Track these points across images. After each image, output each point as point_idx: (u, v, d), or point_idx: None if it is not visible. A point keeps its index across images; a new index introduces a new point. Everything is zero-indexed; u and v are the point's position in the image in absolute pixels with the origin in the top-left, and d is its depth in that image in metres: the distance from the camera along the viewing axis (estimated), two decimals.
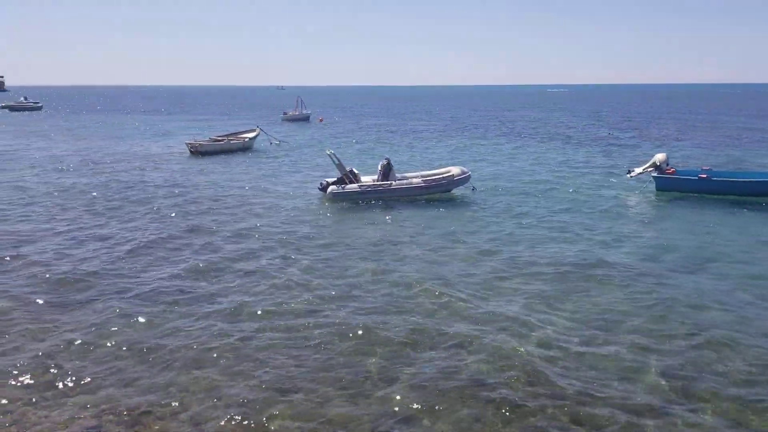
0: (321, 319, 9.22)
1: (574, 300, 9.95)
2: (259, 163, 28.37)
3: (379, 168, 19.21)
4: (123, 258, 12.50)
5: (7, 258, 12.41)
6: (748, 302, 9.85)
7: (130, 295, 10.34)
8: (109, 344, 8.44)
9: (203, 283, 10.94)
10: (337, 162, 19.21)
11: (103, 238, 14.11)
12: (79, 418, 6.68)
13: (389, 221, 15.94)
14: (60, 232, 14.62)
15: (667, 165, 19.75)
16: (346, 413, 6.73)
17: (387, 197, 18.41)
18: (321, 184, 19.17)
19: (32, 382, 7.47)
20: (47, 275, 11.29)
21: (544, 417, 6.59)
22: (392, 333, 8.69)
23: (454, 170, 19.52)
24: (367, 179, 19.16)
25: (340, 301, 9.95)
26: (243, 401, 6.97)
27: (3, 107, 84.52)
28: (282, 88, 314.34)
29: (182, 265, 11.95)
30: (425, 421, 6.56)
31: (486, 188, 20.41)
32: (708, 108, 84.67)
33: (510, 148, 34.52)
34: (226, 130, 41.53)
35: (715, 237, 13.93)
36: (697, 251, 12.76)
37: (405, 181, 18.88)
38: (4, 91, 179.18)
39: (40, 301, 10.03)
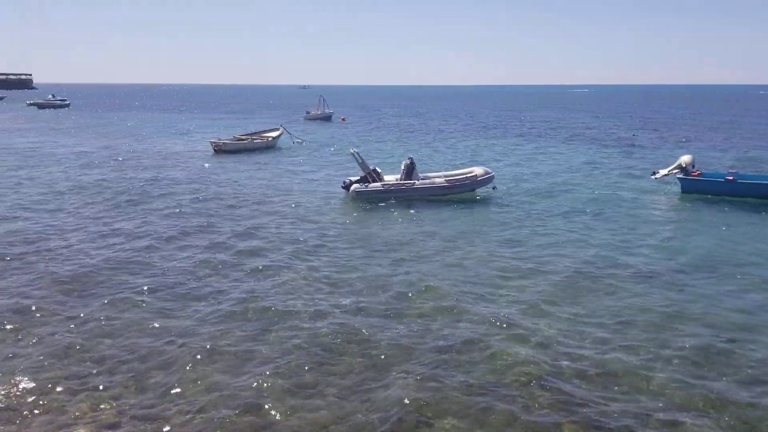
0: (337, 318, 9.26)
1: (593, 302, 9.91)
2: (283, 161, 28.61)
3: (402, 167, 19.28)
4: (143, 253, 12.75)
5: (30, 251, 12.74)
6: None
7: (146, 289, 10.53)
8: (122, 339, 8.63)
9: (222, 279, 11.11)
10: (360, 161, 19.33)
11: (125, 233, 14.40)
12: (97, 412, 6.82)
13: (411, 220, 16.01)
14: (83, 227, 14.95)
15: (693, 167, 19.58)
16: (349, 413, 6.75)
17: (410, 196, 18.48)
18: (344, 182, 19.30)
19: (49, 375, 7.67)
20: (68, 268, 11.60)
21: (552, 421, 6.59)
22: (406, 334, 8.73)
23: (478, 170, 19.53)
24: (390, 178, 19.25)
25: (357, 301, 9.98)
26: (257, 399, 7.07)
27: (31, 104, 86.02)
28: (305, 87, 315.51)
29: (202, 262, 12.13)
30: (434, 423, 6.57)
31: (508, 188, 20.40)
32: (731, 109, 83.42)
33: (531, 148, 34.40)
34: (246, 128, 41.95)
35: (741, 241, 13.77)
36: (722, 255, 12.62)
37: (428, 181, 18.93)
38: (33, 88, 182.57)
39: (59, 294, 10.29)
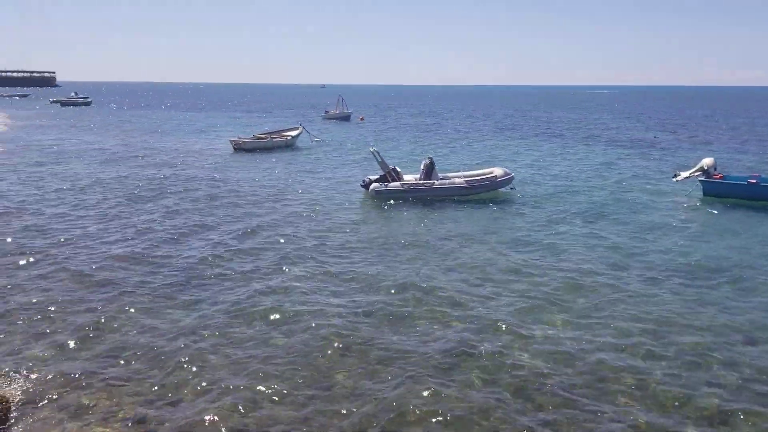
0: (348, 317, 9.29)
1: (610, 307, 9.83)
2: (302, 160, 28.75)
3: (422, 167, 19.29)
4: (161, 248, 12.96)
5: (50, 245, 12.98)
6: None
7: (164, 284, 10.71)
8: (139, 333, 8.77)
9: (239, 276, 11.21)
10: (379, 160, 19.39)
11: (143, 229, 14.61)
12: (116, 407, 6.92)
13: (430, 221, 16.02)
14: (102, 222, 15.17)
15: (715, 170, 19.38)
16: (359, 412, 6.78)
17: (429, 196, 18.50)
18: (363, 181, 19.37)
19: (69, 368, 7.82)
20: (87, 262, 11.81)
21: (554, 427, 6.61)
22: (416, 335, 8.76)
23: (497, 171, 19.50)
24: (409, 178, 19.28)
25: (370, 301, 9.99)
26: (274, 397, 7.17)
27: (54, 102, 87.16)
28: (323, 86, 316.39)
29: (219, 258, 12.27)
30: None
31: (527, 189, 20.33)
32: (747, 110, 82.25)
33: (549, 148, 34.23)
34: (265, 127, 42.20)
35: (765, 245, 13.62)
36: (743, 260, 12.41)
37: (447, 181, 18.94)
38: (56, 86, 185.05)
39: (77, 288, 10.48)
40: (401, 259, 12.35)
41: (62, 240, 13.53)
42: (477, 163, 25.53)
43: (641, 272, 11.51)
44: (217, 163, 26.97)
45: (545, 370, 7.63)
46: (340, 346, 8.30)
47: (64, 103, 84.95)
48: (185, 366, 7.76)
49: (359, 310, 9.58)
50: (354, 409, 6.81)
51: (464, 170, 21.11)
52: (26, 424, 6.49)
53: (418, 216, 16.52)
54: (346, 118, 59.62)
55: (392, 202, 18.10)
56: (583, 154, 31.42)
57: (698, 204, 18.28)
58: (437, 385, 7.25)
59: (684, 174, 19.81)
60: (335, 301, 9.98)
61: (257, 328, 8.90)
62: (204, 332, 8.74)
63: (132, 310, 9.57)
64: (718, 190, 18.72)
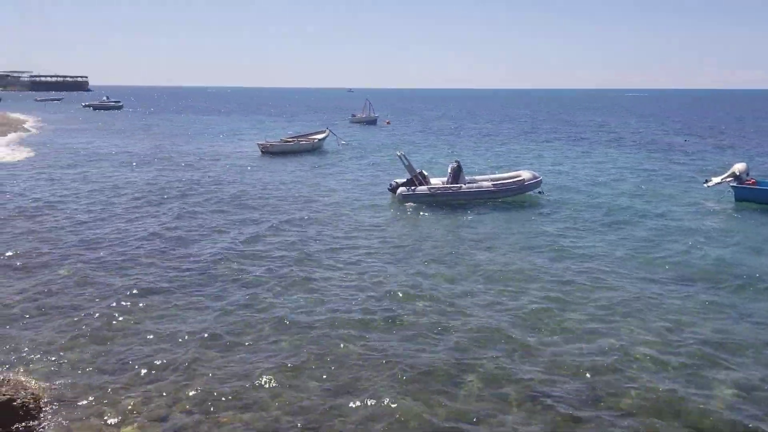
0: (367, 321, 9.30)
1: (639, 312, 9.70)
2: (328, 163, 28.88)
3: (449, 170, 19.25)
4: (187, 248, 13.13)
5: (78, 245, 13.23)
6: None
7: (188, 285, 10.84)
8: (162, 335, 8.85)
9: (265, 279, 11.25)
10: (406, 163, 19.39)
11: (170, 230, 14.82)
12: (145, 407, 6.98)
13: (457, 225, 15.97)
14: (131, 223, 15.41)
15: (747, 175, 19.02)
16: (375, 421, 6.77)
17: (456, 200, 18.45)
18: (390, 185, 19.39)
19: (96, 369, 7.93)
20: (113, 263, 12.04)
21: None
22: (444, 342, 8.72)
23: (525, 174, 19.38)
24: (436, 181, 19.25)
25: (392, 305, 9.94)
26: (301, 396, 7.21)
27: (86, 106, 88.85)
28: (350, 90, 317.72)
29: (246, 262, 12.34)
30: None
31: (555, 193, 20.16)
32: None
33: (577, 152, 33.90)
34: (290, 131, 42.49)
35: None
36: None
37: (475, 185, 18.86)
38: (88, 90, 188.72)
39: (106, 287, 10.62)
40: (427, 264, 12.30)
41: (92, 240, 13.79)
42: (503, 166, 25.40)
43: (672, 281, 11.28)
44: (244, 166, 27.24)
45: (568, 378, 7.55)
46: (359, 351, 8.30)
47: (96, 107, 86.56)
48: (211, 367, 7.83)
49: (383, 315, 9.57)
50: (369, 416, 6.79)
51: (491, 173, 21.02)
52: (56, 421, 6.60)
53: (445, 220, 16.47)
54: (372, 122, 59.74)
55: (419, 205, 18.09)
56: (609, 158, 31.08)
57: (730, 210, 17.91)
58: (450, 393, 7.24)
59: (715, 179, 19.48)
60: (360, 305, 9.98)
61: (278, 331, 8.93)
62: (227, 334, 8.82)
63: (159, 310, 9.69)
64: (751, 196, 18.37)
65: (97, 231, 14.66)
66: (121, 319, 9.35)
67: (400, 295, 10.39)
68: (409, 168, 19.27)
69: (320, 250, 13.14)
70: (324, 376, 7.57)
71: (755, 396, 7.18)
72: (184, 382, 7.42)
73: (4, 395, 6.41)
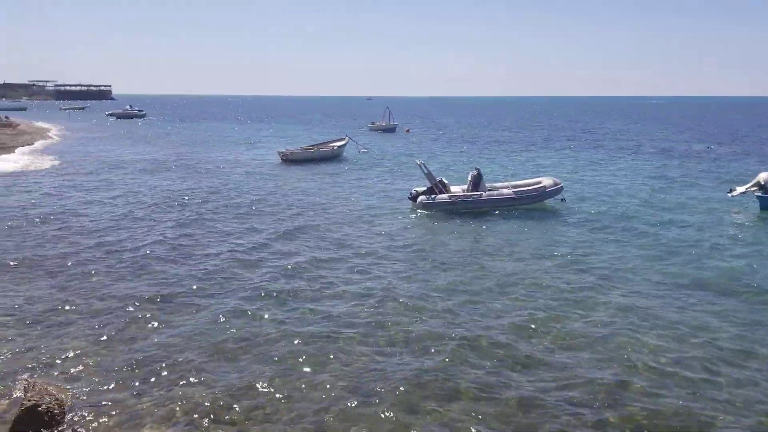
0: (388, 329, 9.27)
1: (661, 322, 9.58)
2: (348, 171, 28.93)
3: (469, 178, 19.18)
4: (209, 257, 13.18)
5: (103, 251, 13.37)
6: None
7: (210, 295, 10.88)
8: (187, 338, 8.92)
9: (284, 285, 11.31)
10: (426, 172, 19.34)
11: (192, 237, 14.98)
12: (165, 410, 7.05)
13: (477, 233, 15.89)
14: (152, 230, 15.54)
15: None
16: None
17: (477, 208, 18.37)
18: (410, 193, 19.36)
19: (120, 373, 7.99)
20: (139, 269, 12.17)
21: None
22: (472, 352, 8.65)
23: (546, 181, 19.24)
24: (456, 189, 19.18)
25: (418, 313, 9.91)
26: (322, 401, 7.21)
27: (110, 114, 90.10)
28: (369, 99, 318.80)
29: (266, 268, 12.44)
30: None
31: (577, 200, 19.99)
32: None
33: (598, 159, 33.62)
34: (310, 139, 42.69)
35: None
36: None
37: (495, 192, 18.77)
38: (112, 99, 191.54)
39: (131, 292, 10.73)
40: (447, 273, 12.26)
41: (113, 246, 13.97)
42: (519, 174, 25.24)
43: (695, 292, 11.03)
44: (264, 174, 27.42)
45: (583, 392, 7.46)
46: (377, 357, 8.31)
47: (119, 116, 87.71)
48: (241, 372, 7.87)
49: (406, 323, 9.58)
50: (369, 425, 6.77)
51: (512, 180, 20.89)
52: (80, 426, 6.65)
53: (465, 229, 16.39)
54: (391, 129, 59.80)
55: (439, 213, 18.02)
56: (630, 165, 30.78)
57: (755, 220, 17.58)
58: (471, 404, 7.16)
59: (740, 189, 19.18)
60: (373, 313, 9.98)
61: (300, 336, 8.95)
62: (247, 337, 8.87)
63: (180, 315, 9.78)
64: None
65: (119, 237, 14.85)
66: (142, 324, 9.45)
67: (414, 305, 10.34)
68: (429, 176, 19.22)
69: (339, 258, 13.17)
70: (328, 386, 7.55)
71: None
72: (205, 389, 7.44)
73: (29, 400, 6.48)
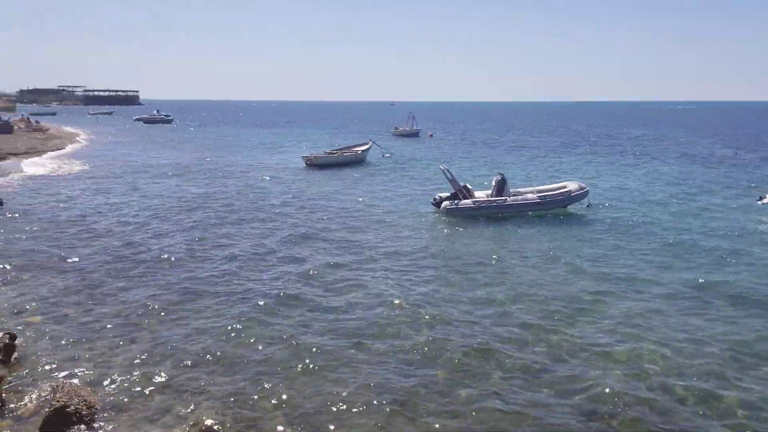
0: (412, 337, 9.21)
1: (687, 330, 9.46)
2: (372, 176, 28.97)
3: (493, 183, 19.07)
4: (233, 260, 13.30)
5: (131, 255, 13.53)
6: None
7: (234, 297, 10.95)
8: (214, 342, 8.98)
9: (307, 289, 11.36)
10: (450, 177, 19.28)
11: (218, 240, 15.09)
12: (196, 412, 7.10)
13: (501, 238, 15.79)
14: (178, 235, 15.70)
15: None
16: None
17: (501, 213, 18.26)
18: (434, 199, 19.30)
19: (150, 375, 8.05)
20: (168, 272, 12.27)
21: None
22: (490, 361, 8.57)
23: (571, 185, 19.06)
24: (480, 194, 19.08)
25: (437, 323, 9.83)
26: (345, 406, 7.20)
27: (137, 119, 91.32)
28: (392, 104, 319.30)
29: (287, 271, 12.50)
30: None
31: (602, 205, 19.76)
32: None
33: (624, 165, 33.17)
34: (334, 143, 42.84)
35: None
36: None
37: (520, 197, 18.65)
38: (139, 104, 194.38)
39: (159, 296, 10.87)
40: (471, 279, 12.21)
41: (141, 247, 14.16)
42: (538, 179, 25.03)
43: (723, 302, 10.79)
44: (288, 178, 27.60)
45: (619, 396, 7.37)
46: (411, 364, 8.28)
47: (146, 121, 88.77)
48: (265, 377, 7.91)
49: (427, 329, 9.55)
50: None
51: (536, 185, 20.71)
52: (109, 427, 6.73)
53: (489, 234, 16.30)
54: (414, 134, 59.79)
55: (462, 219, 17.94)
56: (657, 171, 30.28)
57: None
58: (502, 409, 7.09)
59: None
60: (408, 318, 9.96)
61: (326, 340, 8.98)
62: (276, 341, 8.90)
63: (212, 318, 9.84)
64: None
65: (144, 238, 15.03)
66: (168, 325, 9.56)
67: (433, 311, 10.28)
68: (453, 182, 19.15)
69: (360, 262, 13.19)
70: (335, 391, 7.55)
71: None
72: (233, 391, 7.50)
73: (58, 401, 6.58)
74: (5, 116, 58.65)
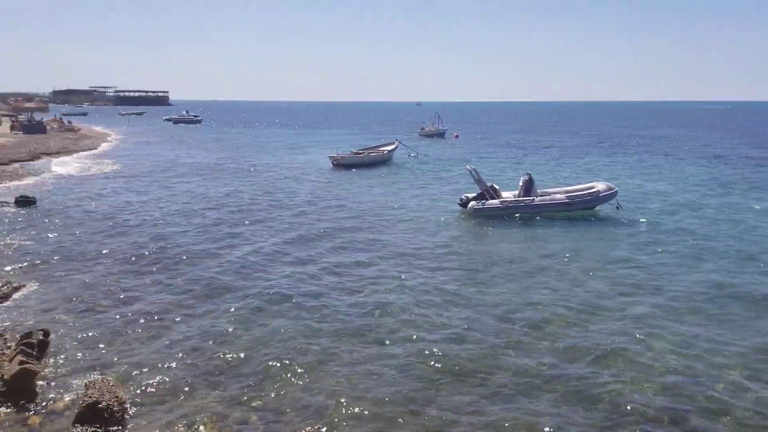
0: (435, 340, 9.09)
1: (710, 331, 9.31)
2: (399, 176, 28.97)
3: (521, 183, 18.92)
4: (263, 259, 13.41)
5: (158, 252, 13.70)
6: None
7: (254, 294, 11.00)
8: (243, 341, 9.02)
9: (332, 290, 11.37)
10: (476, 177, 19.17)
11: (245, 239, 15.25)
12: (225, 411, 7.15)
13: (529, 239, 15.65)
14: (205, 232, 15.86)
15: None
16: None
17: (529, 213, 18.10)
18: (461, 199, 19.19)
19: (177, 373, 8.14)
20: (192, 271, 12.39)
21: None
22: (507, 366, 8.41)
23: (600, 186, 18.81)
24: (507, 195, 18.95)
25: (463, 322, 9.74)
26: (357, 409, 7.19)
27: (167, 120, 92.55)
28: (419, 104, 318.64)
29: (313, 269, 12.58)
30: None
31: (630, 206, 19.44)
32: None
33: (653, 165, 32.66)
34: (361, 143, 42.91)
35: None
36: None
37: (548, 197, 18.47)
38: (169, 104, 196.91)
39: (189, 294, 10.98)
40: (498, 280, 12.11)
41: (171, 246, 14.31)
42: (566, 179, 24.74)
43: (749, 305, 10.55)
44: (316, 178, 27.73)
45: (647, 397, 7.26)
46: (435, 365, 8.25)
47: (176, 121, 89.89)
48: (289, 374, 7.94)
49: (453, 330, 9.47)
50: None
51: (564, 185, 20.49)
52: (140, 423, 6.82)
53: (516, 235, 16.18)
54: (440, 135, 59.62)
55: (490, 220, 17.82)
56: (687, 172, 29.72)
57: None
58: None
59: None
60: (429, 320, 9.92)
61: (344, 341, 9.00)
62: (304, 341, 8.91)
63: (240, 317, 9.89)
64: None
65: (173, 233, 15.21)
66: (200, 321, 9.67)
67: (468, 310, 10.25)
68: (480, 182, 19.05)
69: (385, 261, 13.20)
70: (355, 391, 7.53)
71: None
72: (263, 391, 7.54)
73: (89, 397, 6.67)
74: (39, 116, 59.78)
